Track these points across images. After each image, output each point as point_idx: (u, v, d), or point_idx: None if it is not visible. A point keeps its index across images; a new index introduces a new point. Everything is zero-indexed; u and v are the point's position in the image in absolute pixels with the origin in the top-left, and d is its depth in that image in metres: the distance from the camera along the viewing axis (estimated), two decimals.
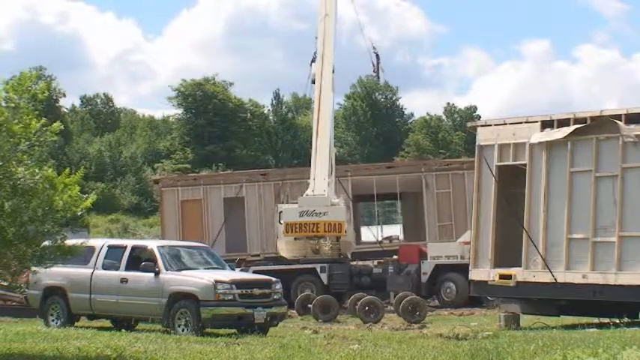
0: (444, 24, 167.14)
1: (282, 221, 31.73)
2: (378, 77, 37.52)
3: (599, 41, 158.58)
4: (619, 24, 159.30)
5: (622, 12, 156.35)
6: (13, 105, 13.18)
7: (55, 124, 13.56)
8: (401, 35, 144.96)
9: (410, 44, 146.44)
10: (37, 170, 13.11)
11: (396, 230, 48.29)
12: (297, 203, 32.04)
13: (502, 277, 21.17)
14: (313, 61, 34.64)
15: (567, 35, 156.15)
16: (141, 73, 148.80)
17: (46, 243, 13.69)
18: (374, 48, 35.35)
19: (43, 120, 13.43)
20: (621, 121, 19.84)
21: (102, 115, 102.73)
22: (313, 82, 33.93)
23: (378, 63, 35.42)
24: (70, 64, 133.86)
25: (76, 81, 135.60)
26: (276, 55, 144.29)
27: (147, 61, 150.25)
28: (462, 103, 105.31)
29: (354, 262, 32.57)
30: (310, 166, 32.74)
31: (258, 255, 35.38)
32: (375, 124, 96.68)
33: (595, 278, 19.88)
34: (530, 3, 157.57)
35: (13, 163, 13.01)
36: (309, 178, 32.78)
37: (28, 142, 13.19)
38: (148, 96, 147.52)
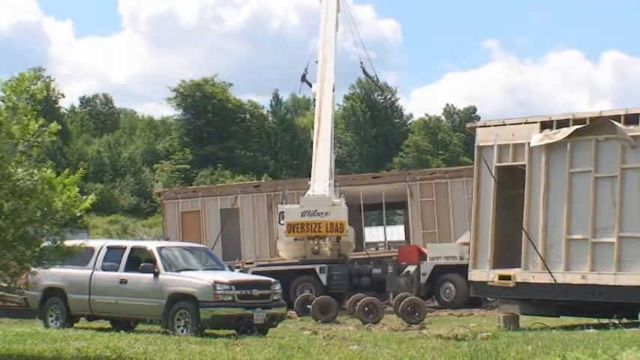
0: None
1: (283, 221, 31.74)
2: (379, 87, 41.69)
3: (563, 46, 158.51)
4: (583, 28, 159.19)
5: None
6: (11, 105, 13.17)
7: (52, 124, 13.58)
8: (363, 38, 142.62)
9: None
10: (35, 172, 13.09)
11: (394, 236, 49.33)
12: (298, 204, 32.14)
13: (501, 277, 21.17)
14: (304, 77, 36.15)
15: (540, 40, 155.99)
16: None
17: (46, 244, 13.68)
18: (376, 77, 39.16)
19: (42, 120, 13.42)
20: (620, 121, 19.84)
21: (101, 115, 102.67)
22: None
23: (376, 76, 39.32)
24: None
25: None
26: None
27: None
28: (460, 106, 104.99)
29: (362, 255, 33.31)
30: (305, 174, 33.41)
31: (252, 262, 35.95)
32: (374, 124, 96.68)
33: (594, 279, 19.89)
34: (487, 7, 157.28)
35: (12, 164, 12.99)
36: (301, 189, 33.69)
37: (26, 143, 13.18)
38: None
